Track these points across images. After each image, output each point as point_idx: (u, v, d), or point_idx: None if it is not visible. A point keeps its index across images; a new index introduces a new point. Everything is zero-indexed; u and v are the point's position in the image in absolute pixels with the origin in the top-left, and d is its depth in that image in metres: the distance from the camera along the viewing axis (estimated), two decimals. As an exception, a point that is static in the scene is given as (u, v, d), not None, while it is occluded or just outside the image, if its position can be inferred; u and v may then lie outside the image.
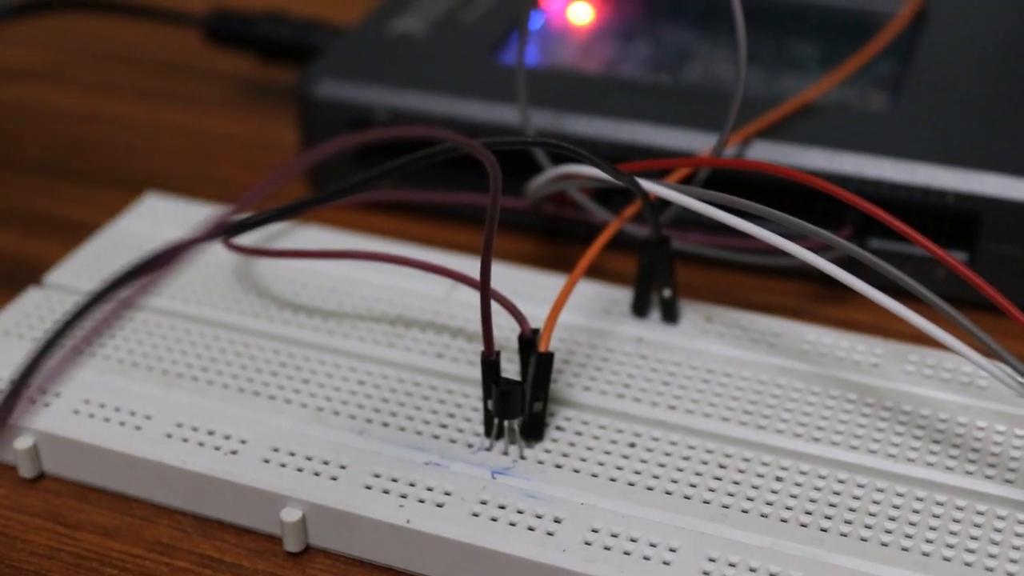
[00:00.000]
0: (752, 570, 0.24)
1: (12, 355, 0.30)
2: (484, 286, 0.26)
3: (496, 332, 0.27)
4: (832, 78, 0.35)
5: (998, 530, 0.25)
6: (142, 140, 0.42)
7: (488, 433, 0.27)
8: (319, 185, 0.38)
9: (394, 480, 0.26)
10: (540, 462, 0.27)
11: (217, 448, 0.27)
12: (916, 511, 0.25)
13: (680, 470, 0.27)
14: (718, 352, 0.30)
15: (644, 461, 0.27)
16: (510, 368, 0.28)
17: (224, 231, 0.21)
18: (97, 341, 0.19)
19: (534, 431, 0.27)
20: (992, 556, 0.24)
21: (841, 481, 0.26)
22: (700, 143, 0.34)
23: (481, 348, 0.28)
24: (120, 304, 0.18)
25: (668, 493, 0.26)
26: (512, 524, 0.25)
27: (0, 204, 0.39)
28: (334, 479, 0.27)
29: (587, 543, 0.25)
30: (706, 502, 0.26)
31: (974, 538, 0.25)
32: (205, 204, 0.36)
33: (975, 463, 0.27)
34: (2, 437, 0.19)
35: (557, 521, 0.25)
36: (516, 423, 0.27)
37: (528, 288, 0.32)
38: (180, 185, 0.39)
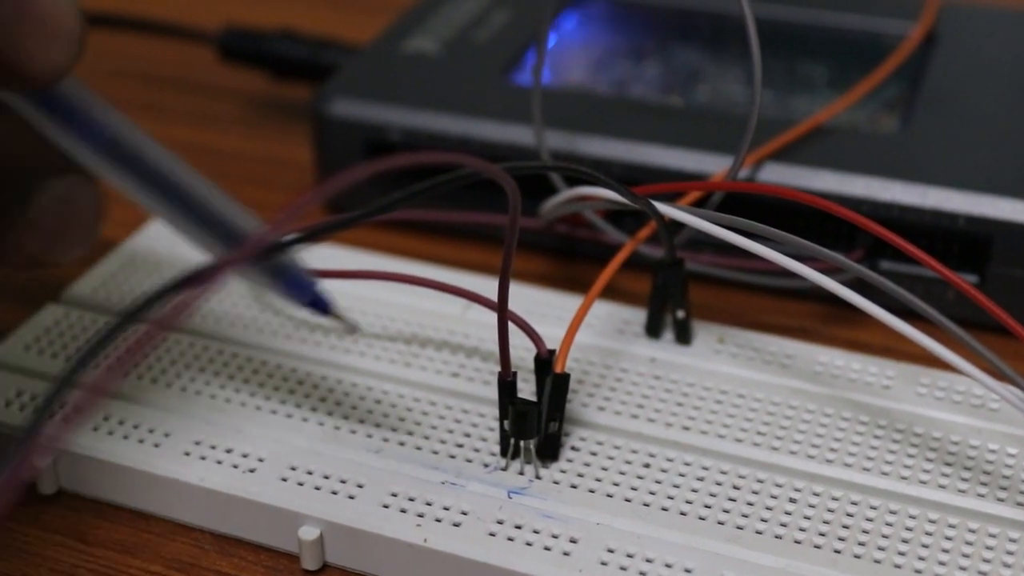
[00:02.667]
0: (767, 591, 0.25)
1: (31, 370, 0.30)
2: (502, 308, 0.26)
3: (511, 352, 0.27)
4: (843, 101, 0.36)
5: (1010, 552, 0.25)
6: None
7: (504, 453, 0.28)
8: (334, 204, 0.38)
9: (411, 499, 0.27)
10: (556, 482, 0.27)
11: (235, 466, 0.28)
12: (928, 533, 0.26)
13: (694, 491, 0.27)
14: (731, 373, 0.30)
15: (658, 481, 0.27)
16: (525, 388, 0.29)
17: (259, 252, 0.21)
18: (134, 361, 0.20)
19: (550, 451, 0.28)
20: (1004, 578, 0.25)
21: (854, 503, 0.26)
22: (712, 165, 0.34)
23: (496, 367, 0.28)
24: (156, 324, 0.18)
25: (683, 514, 0.26)
26: (528, 544, 0.26)
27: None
28: (351, 498, 0.27)
29: (603, 563, 0.25)
30: (720, 523, 0.26)
31: (986, 560, 0.25)
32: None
33: (986, 485, 0.27)
34: (37, 457, 0.19)
35: (573, 541, 0.26)
36: (532, 443, 0.27)
37: (541, 307, 0.32)
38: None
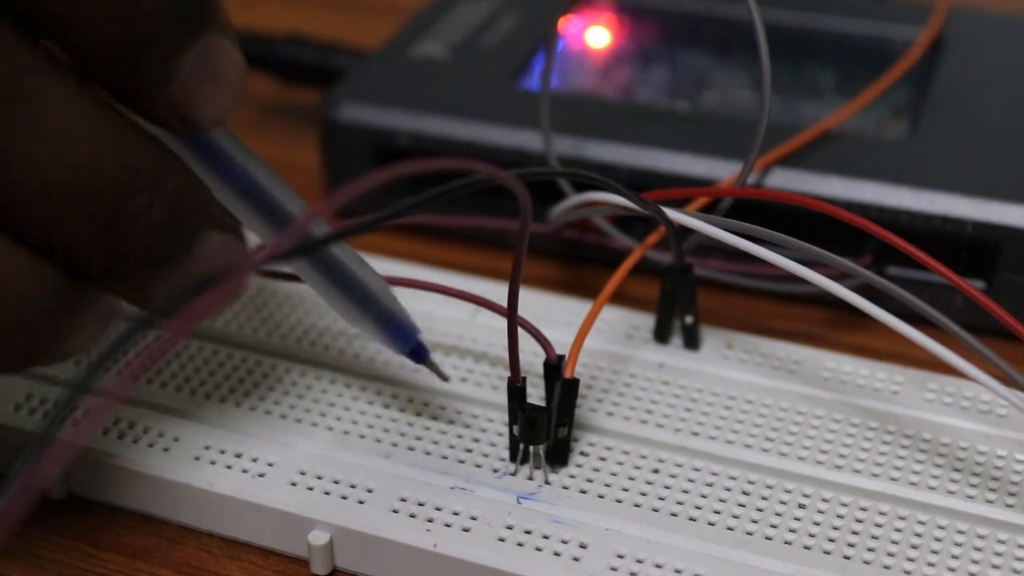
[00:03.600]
0: (776, 597, 0.25)
1: (41, 373, 0.30)
2: (511, 313, 0.26)
3: (520, 357, 0.27)
4: (850, 106, 0.36)
5: (1019, 559, 0.25)
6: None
7: (513, 458, 0.28)
8: (345, 211, 0.38)
9: (420, 504, 0.27)
10: (565, 487, 0.27)
11: (245, 471, 0.28)
12: (938, 539, 0.26)
13: (703, 496, 0.27)
14: (739, 379, 0.30)
15: (668, 487, 0.27)
16: (534, 393, 0.29)
17: (275, 259, 0.22)
18: (151, 368, 0.20)
19: (559, 456, 0.28)
20: (1013, 584, 0.25)
21: (863, 509, 0.26)
22: (719, 170, 0.34)
23: (505, 372, 0.28)
24: (171, 330, 0.18)
25: (692, 519, 0.26)
26: (538, 549, 0.26)
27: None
28: (361, 503, 0.27)
29: (613, 568, 0.25)
30: (730, 528, 0.26)
31: (995, 566, 0.25)
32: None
33: (995, 491, 0.27)
34: (50, 465, 0.19)
35: (583, 546, 0.26)
36: (541, 448, 0.27)
37: (550, 313, 0.32)
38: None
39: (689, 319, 0.31)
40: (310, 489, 0.27)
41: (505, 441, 0.28)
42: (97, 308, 0.25)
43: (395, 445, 0.28)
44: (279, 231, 0.26)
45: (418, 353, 0.28)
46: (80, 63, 0.23)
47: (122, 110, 0.24)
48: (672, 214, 0.29)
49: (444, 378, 0.29)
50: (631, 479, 0.27)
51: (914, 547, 0.26)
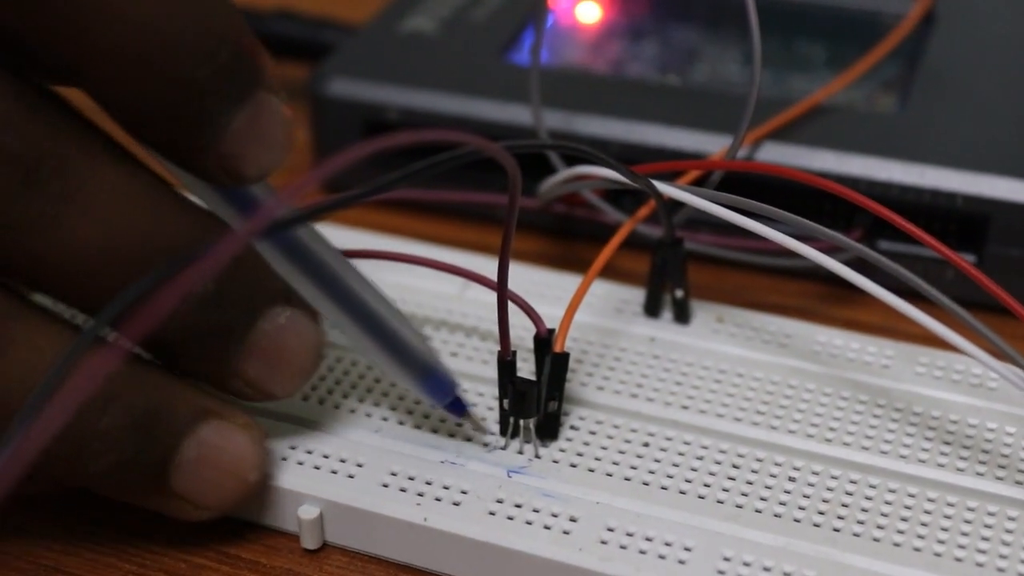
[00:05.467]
0: (766, 569, 0.25)
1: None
2: (501, 287, 0.26)
3: (511, 331, 0.27)
4: (841, 80, 0.36)
5: (1009, 531, 0.25)
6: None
7: (504, 432, 0.28)
8: (334, 183, 0.38)
9: (411, 478, 0.27)
10: (555, 461, 0.27)
11: (235, 446, 0.28)
12: (928, 512, 0.26)
13: (694, 470, 0.27)
14: (730, 352, 0.30)
15: (658, 460, 0.27)
16: (524, 367, 0.29)
17: (262, 231, 0.22)
18: (139, 340, 0.19)
19: (549, 430, 0.28)
20: (1003, 556, 0.25)
21: (853, 481, 0.26)
22: (710, 144, 0.34)
23: (495, 346, 0.28)
24: (159, 304, 0.18)
25: (682, 492, 0.26)
26: (528, 523, 0.26)
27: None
28: (351, 477, 0.27)
29: (603, 542, 0.25)
30: (720, 502, 0.26)
31: (985, 539, 0.25)
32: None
33: (985, 464, 0.27)
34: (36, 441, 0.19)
35: (573, 520, 0.26)
36: (532, 422, 0.27)
37: (540, 287, 0.32)
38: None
39: (679, 293, 0.31)
40: (300, 464, 0.27)
41: (495, 415, 0.28)
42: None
43: (385, 419, 0.28)
44: (343, 308, 0.27)
45: (456, 406, 0.28)
46: (132, 129, 0.24)
47: (167, 184, 0.25)
48: (662, 187, 0.28)
49: (485, 431, 0.28)
50: (621, 453, 0.27)
51: (904, 519, 0.26)
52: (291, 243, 0.26)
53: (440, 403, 0.28)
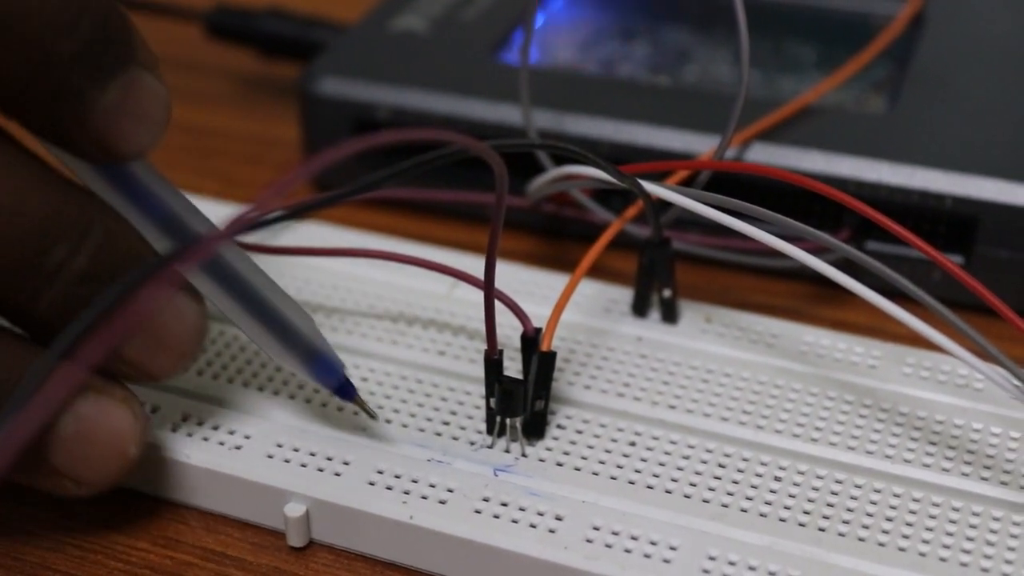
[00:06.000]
0: (751, 568, 0.25)
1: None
2: (489, 286, 0.26)
3: (498, 330, 0.27)
4: (830, 81, 0.36)
5: (993, 531, 0.25)
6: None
7: (490, 431, 0.28)
8: (322, 181, 0.38)
9: (397, 477, 0.27)
10: (541, 460, 0.27)
11: (222, 443, 0.28)
12: (913, 512, 0.26)
13: (680, 469, 0.27)
14: (717, 352, 0.30)
15: (644, 460, 0.27)
16: (511, 366, 0.29)
17: (246, 228, 0.21)
18: (121, 338, 0.19)
19: (536, 429, 0.28)
20: (988, 557, 0.25)
21: (839, 481, 0.27)
22: (699, 144, 0.34)
23: (482, 345, 0.28)
24: (143, 300, 0.18)
25: (668, 492, 0.26)
26: (514, 521, 0.26)
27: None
28: (338, 475, 0.27)
29: (588, 540, 0.25)
30: (706, 501, 0.26)
31: (970, 539, 0.25)
32: (207, 200, 0.36)
33: (971, 465, 0.27)
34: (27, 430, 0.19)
35: (559, 519, 0.26)
36: (518, 421, 0.27)
37: (527, 286, 0.32)
38: (182, 180, 0.39)
39: (667, 293, 0.31)
40: (287, 462, 0.27)
41: (482, 414, 0.28)
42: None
43: (372, 417, 0.28)
44: (225, 289, 0.26)
45: (345, 390, 0.28)
46: (2, 108, 0.23)
47: (42, 157, 0.24)
48: (650, 187, 0.29)
49: (373, 416, 0.28)
50: (608, 452, 0.27)
51: (889, 519, 0.26)
52: (169, 222, 0.26)
53: (328, 386, 0.27)
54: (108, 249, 0.24)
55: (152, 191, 0.26)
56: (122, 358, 0.25)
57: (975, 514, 0.26)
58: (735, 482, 0.27)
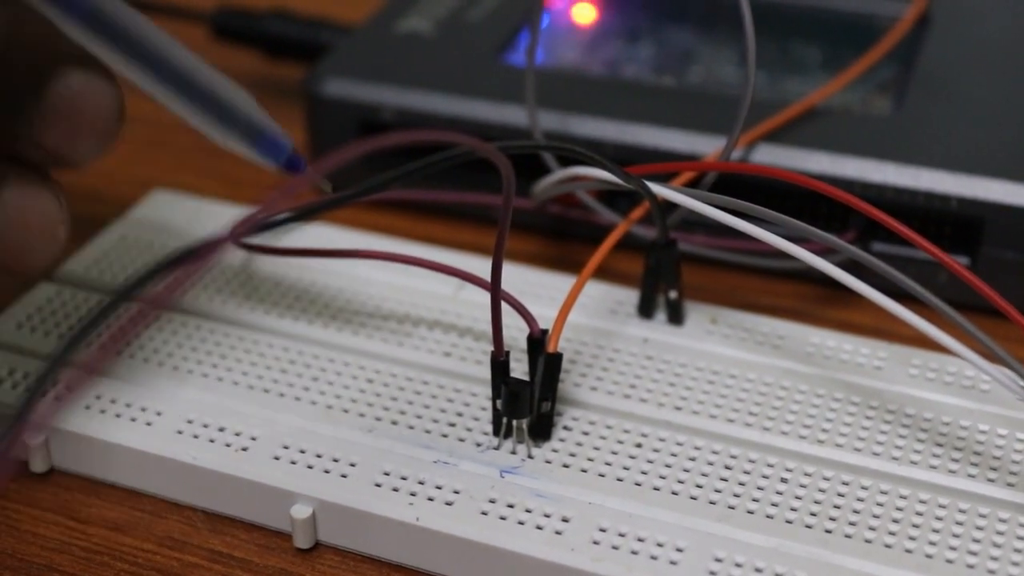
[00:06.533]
0: (758, 570, 0.25)
1: (24, 348, 0.30)
2: (495, 287, 0.26)
3: (504, 332, 0.27)
4: (836, 82, 0.36)
5: (1000, 533, 0.25)
6: (150, 136, 0.42)
7: (496, 432, 0.28)
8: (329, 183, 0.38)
9: (403, 478, 0.27)
10: (548, 461, 0.27)
11: (228, 445, 0.28)
12: (919, 513, 0.26)
13: (686, 470, 0.27)
14: (723, 354, 0.30)
15: (650, 461, 0.27)
16: (518, 368, 0.29)
17: (253, 230, 0.21)
18: (126, 340, 0.20)
19: (542, 431, 0.28)
20: (994, 559, 0.25)
21: (845, 483, 0.27)
22: (705, 146, 0.34)
23: (488, 347, 0.28)
24: (148, 302, 0.18)
25: (674, 493, 0.26)
26: (521, 523, 0.26)
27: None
28: (344, 476, 0.27)
29: (595, 542, 0.25)
30: (712, 502, 0.26)
31: (976, 540, 0.25)
32: (213, 201, 0.36)
33: (977, 466, 0.27)
34: (27, 435, 0.19)
35: (565, 520, 0.26)
36: (524, 422, 0.27)
37: (533, 288, 0.32)
38: (188, 182, 0.39)
39: (673, 294, 0.31)
40: (293, 463, 0.27)
41: (488, 415, 0.28)
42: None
43: (378, 419, 0.28)
44: (134, 61, 0.24)
45: (293, 163, 0.26)
46: None
47: None
48: (656, 188, 0.29)
49: (327, 190, 0.27)
50: (614, 453, 0.27)
51: (895, 521, 0.26)
52: (84, 6, 0.24)
53: (275, 163, 0.26)
54: (18, 35, 0.24)
55: None
56: (43, 146, 0.25)
57: (981, 515, 0.26)
58: (741, 483, 0.27)
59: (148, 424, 0.28)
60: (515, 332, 0.29)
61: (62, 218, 0.25)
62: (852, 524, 0.26)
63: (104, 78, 0.25)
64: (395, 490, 0.27)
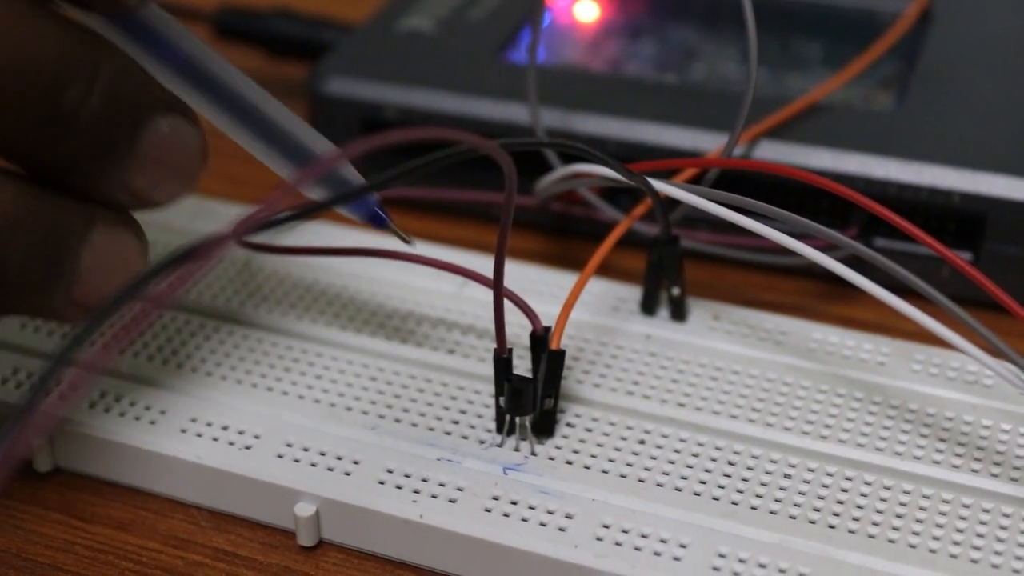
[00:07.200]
0: (762, 566, 0.25)
1: (28, 348, 0.30)
2: (497, 285, 0.26)
3: (507, 329, 0.27)
4: (838, 78, 0.36)
5: (1003, 527, 0.25)
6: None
7: (500, 429, 0.28)
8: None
9: (407, 475, 0.27)
10: (551, 458, 0.27)
11: (231, 443, 0.28)
12: (923, 508, 0.26)
13: (689, 467, 0.27)
14: (726, 350, 0.30)
15: (654, 458, 0.27)
16: (520, 365, 0.29)
17: (256, 228, 0.22)
18: (129, 339, 0.20)
19: (545, 428, 0.28)
20: (998, 553, 0.25)
21: (848, 478, 0.27)
22: (707, 142, 0.34)
23: (491, 344, 0.28)
24: (150, 301, 0.18)
25: (678, 490, 0.26)
26: (524, 520, 0.26)
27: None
28: (347, 474, 0.27)
29: (598, 539, 0.25)
30: (715, 499, 0.26)
31: (980, 535, 0.25)
32: (215, 200, 0.36)
33: (980, 461, 0.27)
34: (30, 434, 0.19)
35: (569, 517, 0.26)
36: (528, 420, 0.27)
37: (537, 285, 0.32)
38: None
39: (676, 291, 0.31)
40: (296, 461, 0.27)
41: (491, 413, 0.28)
42: (96, 228, 0.25)
43: (382, 417, 0.28)
44: (224, 108, 0.26)
45: (376, 219, 0.27)
46: None
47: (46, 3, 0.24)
48: (658, 185, 0.29)
49: (406, 240, 0.28)
50: (617, 450, 0.27)
51: (899, 517, 0.26)
52: (179, 56, 0.26)
53: (359, 216, 0.28)
54: (119, 86, 0.24)
55: (169, 38, 0.26)
56: (129, 189, 0.25)
57: (985, 510, 0.26)
58: (745, 480, 0.27)
59: (152, 423, 0.28)
60: (518, 329, 0.29)
61: (142, 260, 0.26)
62: (855, 520, 0.26)
63: (191, 122, 0.26)
64: (398, 488, 0.27)
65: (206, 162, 0.26)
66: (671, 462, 0.27)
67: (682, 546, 0.25)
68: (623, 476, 0.27)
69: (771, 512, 0.26)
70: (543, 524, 0.26)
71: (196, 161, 0.26)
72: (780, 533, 0.25)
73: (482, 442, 0.28)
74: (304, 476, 0.27)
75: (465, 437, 0.28)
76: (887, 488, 0.26)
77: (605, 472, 0.27)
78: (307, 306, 0.32)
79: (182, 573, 0.27)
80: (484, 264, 0.28)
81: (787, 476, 0.27)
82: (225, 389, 0.29)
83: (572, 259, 0.35)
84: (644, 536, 0.25)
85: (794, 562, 0.25)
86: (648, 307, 0.31)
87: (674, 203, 0.29)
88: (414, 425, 0.28)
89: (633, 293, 0.32)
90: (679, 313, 0.31)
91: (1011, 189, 0.32)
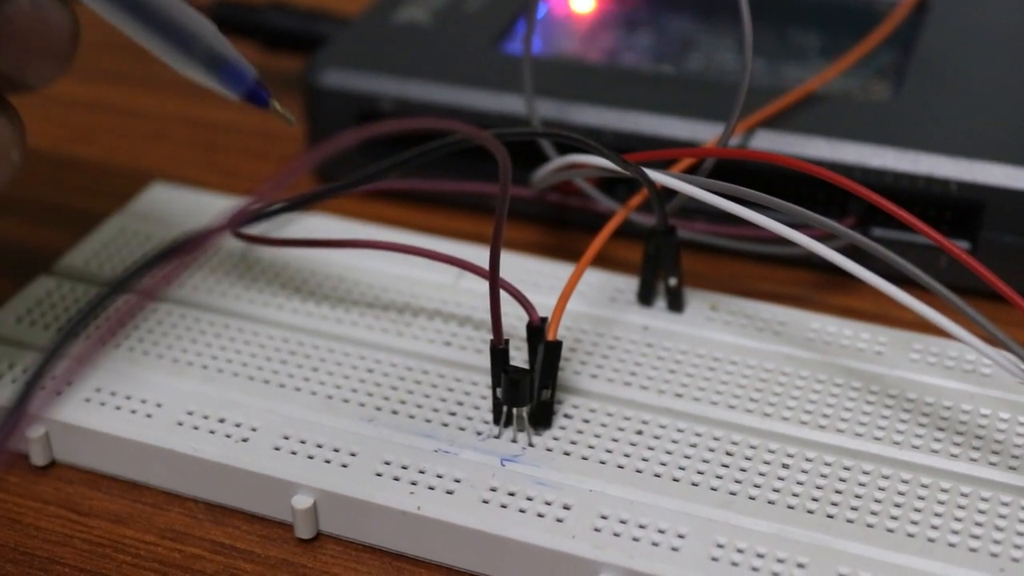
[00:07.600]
0: (760, 556, 0.25)
1: (23, 342, 0.30)
2: (493, 276, 0.26)
3: (503, 320, 0.27)
4: (834, 68, 0.36)
5: (1002, 516, 0.25)
6: (148, 129, 0.42)
7: (497, 421, 0.28)
8: (326, 173, 0.38)
9: (404, 467, 0.27)
10: (549, 449, 0.27)
11: (228, 436, 0.28)
12: (921, 497, 0.26)
13: (687, 457, 0.27)
14: (723, 340, 0.30)
15: (651, 448, 0.27)
16: (517, 356, 0.29)
17: (248, 220, 0.21)
18: (121, 331, 0.19)
19: (542, 419, 0.28)
20: (997, 542, 0.25)
21: (847, 468, 0.26)
22: (704, 133, 0.34)
23: (488, 336, 0.28)
24: (142, 293, 0.18)
25: (676, 480, 0.26)
26: (522, 511, 0.26)
27: (7, 193, 0.39)
28: (345, 466, 0.27)
29: (596, 529, 0.25)
30: (713, 489, 0.26)
31: (979, 524, 0.25)
32: (211, 193, 0.36)
33: (979, 450, 0.27)
34: (21, 428, 0.19)
35: (566, 508, 0.26)
36: (525, 411, 0.27)
37: (533, 276, 0.32)
38: (186, 174, 0.39)
39: (673, 281, 0.31)
40: (294, 453, 0.27)
41: (488, 404, 0.28)
42: None
43: (379, 409, 0.28)
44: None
45: (256, 96, 0.26)
46: None
47: None
48: (654, 175, 0.28)
49: (290, 121, 0.27)
50: (615, 441, 0.27)
51: (897, 506, 0.26)
52: None
53: (237, 93, 0.26)
54: None
55: None
56: None
57: (983, 499, 0.26)
58: (743, 470, 0.27)
59: (148, 416, 0.28)
60: (514, 321, 0.29)
61: (16, 141, 0.25)
62: (854, 509, 0.26)
63: (54, 2, 0.25)
64: (396, 479, 0.27)
65: (77, 43, 0.25)
66: (669, 452, 0.27)
67: (680, 536, 0.25)
68: (620, 467, 0.27)
69: (769, 502, 0.26)
70: (541, 515, 0.26)
71: (66, 40, 0.25)
72: (778, 523, 0.25)
73: (479, 433, 0.28)
74: (301, 468, 0.27)
75: (462, 428, 0.28)
76: (885, 477, 0.26)
77: (603, 463, 0.27)
78: (303, 298, 0.32)
79: (180, 566, 0.27)
80: (480, 255, 0.28)
81: (785, 466, 0.27)
82: (222, 382, 0.29)
83: (568, 250, 0.35)
84: (642, 527, 0.25)
85: (792, 552, 0.25)
86: (645, 298, 0.31)
87: (671, 193, 0.29)
88: (411, 417, 0.28)
89: (630, 284, 0.32)
90: (676, 303, 0.31)
91: (1008, 178, 0.32)
